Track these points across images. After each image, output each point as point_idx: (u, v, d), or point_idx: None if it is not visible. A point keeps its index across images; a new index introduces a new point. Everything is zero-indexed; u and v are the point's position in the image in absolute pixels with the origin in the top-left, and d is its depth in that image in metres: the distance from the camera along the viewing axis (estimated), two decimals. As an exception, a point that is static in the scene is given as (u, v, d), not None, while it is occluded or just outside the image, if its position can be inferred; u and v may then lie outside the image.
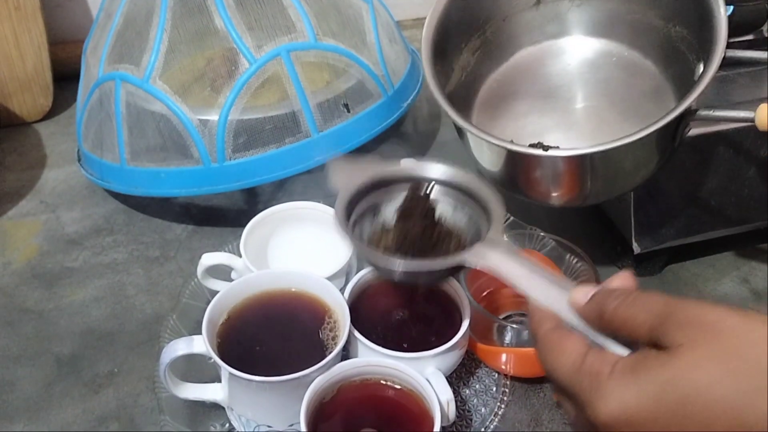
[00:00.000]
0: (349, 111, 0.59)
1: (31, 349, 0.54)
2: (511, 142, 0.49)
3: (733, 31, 0.64)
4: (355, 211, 0.46)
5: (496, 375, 0.52)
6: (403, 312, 0.51)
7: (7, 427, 0.50)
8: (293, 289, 0.49)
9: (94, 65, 0.60)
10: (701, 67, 0.50)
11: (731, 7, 0.65)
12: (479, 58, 0.58)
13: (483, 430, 0.49)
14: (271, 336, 0.48)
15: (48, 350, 0.54)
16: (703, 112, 0.48)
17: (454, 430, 0.49)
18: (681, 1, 0.53)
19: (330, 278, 0.49)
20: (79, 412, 0.51)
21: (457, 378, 0.52)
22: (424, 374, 0.45)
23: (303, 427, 0.42)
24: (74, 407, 0.51)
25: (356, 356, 0.47)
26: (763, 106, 0.46)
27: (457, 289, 0.49)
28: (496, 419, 0.50)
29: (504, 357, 0.51)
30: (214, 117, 0.57)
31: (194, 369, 0.49)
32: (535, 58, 0.60)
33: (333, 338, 0.47)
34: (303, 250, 0.55)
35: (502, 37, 0.59)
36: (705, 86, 0.46)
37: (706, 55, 0.48)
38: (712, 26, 0.49)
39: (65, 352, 0.54)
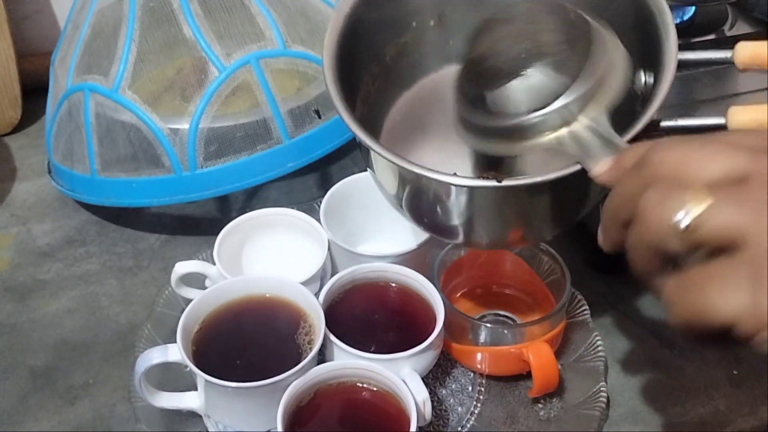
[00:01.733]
0: (320, 117, 0.60)
1: (4, 363, 0.54)
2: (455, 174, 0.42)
3: (695, 30, 0.66)
4: None
5: (472, 374, 0.53)
6: (378, 315, 0.51)
7: (-20, 443, 0.49)
8: (267, 295, 0.49)
9: (62, 76, 0.60)
10: (644, 77, 0.47)
11: (693, 8, 0.67)
12: (380, 87, 0.52)
13: (460, 429, 0.50)
14: (246, 342, 0.48)
15: (22, 363, 0.54)
16: (667, 123, 0.45)
17: (432, 429, 0.49)
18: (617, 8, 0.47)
19: (304, 283, 0.50)
20: (55, 423, 0.50)
21: (434, 378, 0.52)
22: (400, 375, 0.45)
23: (280, 431, 0.42)
24: (50, 419, 0.50)
25: (332, 360, 0.47)
26: (733, 109, 0.44)
27: (431, 290, 0.50)
28: (473, 418, 0.50)
29: (479, 356, 0.51)
30: (184, 126, 0.56)
31: (170, 377, 0.49)
32: (442, 85, 0.52)
33: (309, 342, 0.47)
34: (277, 257, 0.55)
35: (403, 63, 0.52)
36: (660, 102, 0.43)
37: (654, 68, 0.45)
38: (659, 36, 0.46)
39: (39, 364, 0.54)
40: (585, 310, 0.55)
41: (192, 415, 0.49)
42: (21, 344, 0.55)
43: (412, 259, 0.53)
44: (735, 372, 0.54)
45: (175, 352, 0.45)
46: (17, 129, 0.73)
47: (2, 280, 0.60)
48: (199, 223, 0.65)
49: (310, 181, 0.69)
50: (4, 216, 0.65)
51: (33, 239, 0.63)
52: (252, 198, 0.67)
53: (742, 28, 0.68)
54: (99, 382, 0.53)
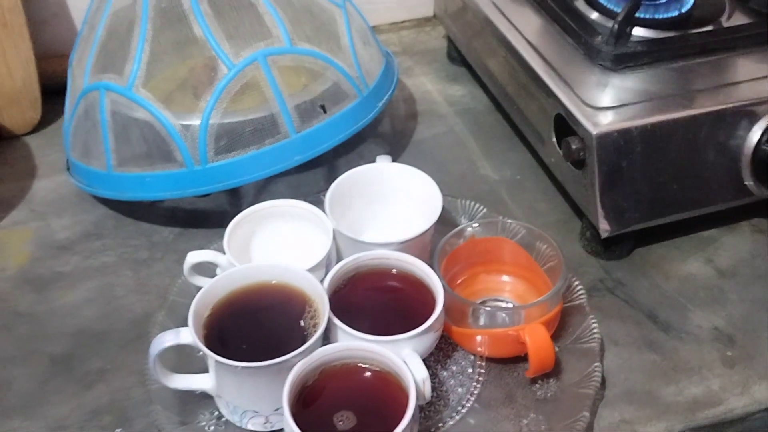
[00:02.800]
0: (325, 112, 0.62)
1: (25, 350, 0.56)
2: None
3: (693, 22, 0.67)
4: None
5: (472, 357, 0.55)
6: (380, 299, 0.53)
7: (4, 424, 0.52)
8: (274, 282, 0.52)
9: (79, 76, 0.63)
10: None
11: (691, 0, 0.68)
12: None
13: (460, 408, 0.52)
14: (254, 326, 0.50)
15: (41, 350, 0.56)
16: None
17: (433, 409, 0.51)
18: None
19: (310, 270, 0.52)
20: (73, 407, 0.53)
21: (435, 361, 0.54)
22: (401, 356, 0.47)
23: (285, 408, 0.44)
24: (68, 403, 0.53)
25: (337, 342, 0.49)
26: None
27: (431, 276, 0.52)
28: (472, 398, 0.52)
29: (479, 339, 0.53)
30: (195, 122, 0.59)
31: (183, 363, 0.52)
32: None
33: (314, 326, 0.49)
34: (284, 245, 0.57)
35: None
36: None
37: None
38: None
39: (58, 351, 0.56)
40: (582, 294, 0.57)
41: (204, 397, 0.51)
42: (41, 332, 0.58)
43: (414, 246, 0.55)
44: (729, 353, 0.56)
45: (187, 335, 0.47)
46: (37, 129, 0.76)
47: (23, 272, 0.62)
48: (211, 217, 0.67)
49: (317, 175, 0.71)
50: (25, 212, 0.68)
51: (52, 233, 0.66)
52: (262, 192, 0.69)
53: (739, 19, 0.69)
54: (115, 367, 0.55)
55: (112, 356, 0.56)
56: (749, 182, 0.61)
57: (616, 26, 0.63)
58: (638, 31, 0.66)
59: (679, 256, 0.63)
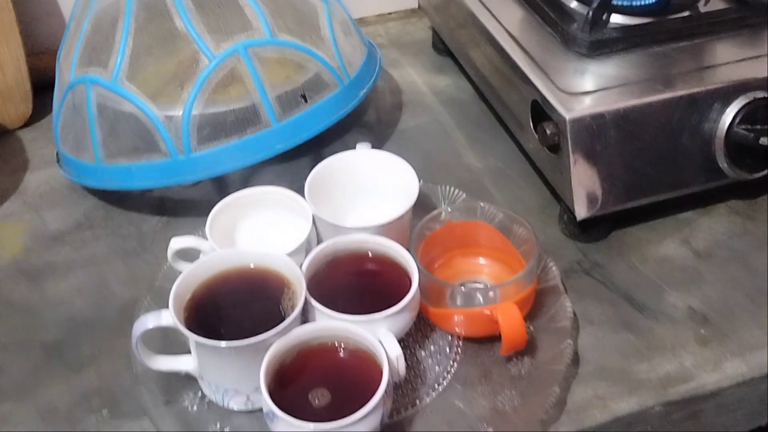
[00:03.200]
0: (306, 101, 0.63)
1: (18, 338, 0.58)
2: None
3: (671, 8, 0.68)
4: None
5: (450, 337, 0.56)
6: (358, 282, 0.55)
7: (-3, 408, 0.54)
8: (253, 266, 0.53)
9: (66, 70, 0.64)
10: None
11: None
12: None
13: (437, 386, 0.53)
14: (234, 309, 0.52)
15: (34, 338, 0.58)
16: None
17: (410, 386, 0.53)
18: None
19: (290, 254, 0.53)
20: (63, 390, 0.54)
21: (414, 341, 0.56)
22: (377, 335, 0.49)
23: (262, 386, 0.46)
24: (59, 387, 0.55)
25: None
26: None
27: (407, 258, 0.53)
28: (449, 376, 0.54)
29: (455, 319, 0.55)
30: (178, 112, 0.60)
31: (168, 348, 0.53)
32: None
33: (291, 307, 0.50)
34: (266, 231, 0.59)
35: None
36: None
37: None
38: None
39: (50, 339, 0.58)
40: (556, 275, 0.58)
41: (188, 379, 0.53)
42: (33, 322, 0.59)
43: (392, 230, 0.56)
44: (702, 332, 0.57)
45: (167, 317, 0.49)
46: (29, 123, 0.78)
47: (16, 263, 0.64)
48: (199, 206, 0.69)
49: (303, 165, 0.73)
50: (18, 204, 0.70)
51: (44, 225, 0.68)
52: (249, 181, 0.71)
53: (716, 5, 0.70)
54: (104, 353, 0.57)
55: (101, 342, 0.58)
56: (723, 164, 0.62)
57: (591, 13, 0.64)
58: (616, 18, 0.67)
59: (656, 238, 0.64)
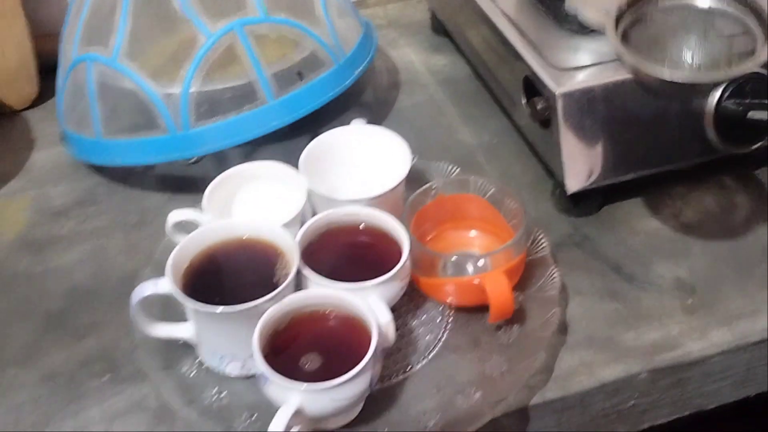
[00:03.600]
0: (302, 79, 0.65)
1: (22, 308, 0.60)
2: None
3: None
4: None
5: (441, 307, 0.58)
6: (351, 252, 0.56)
7: (2, 373, 0.56)
8: (247, 237, 0.55)
9: (68, 50, 0.66)
10: None
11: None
12: None
13: (427, 353, 0.55)
14: (230, 277, 0.54)
15: (38, 308, 0.60)
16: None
17: (401, 354, 0.54)
18: None
19: (285, 226, 0.55)
20: (66, 356, 0.56)
21: (406, 311, 0.57)
22: (368, 302, 0.50)
23: (255, 350, 0.47)
24: (61, 353, 0.57)
25: (306, 290, 0.52)
26: None
27: (398, 229, 0.55)
28: (440, 344, 0.55)
29: (446, 288, 0.56)
30: (177, 89, 0.62)
31: (169, 317, 0.55)
32: None
33: (285, 275, 0.52)
34: (262, 205, 0.60)
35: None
36: None
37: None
38: None
39: (53, 308, 0.60)
40: (545, 247, 0.59)
41: (187, 346, 0.54)
42: (37, 292, 0.61)
43: (385, 203, 0.57)
44: (689, 302, 0.58)
45: (165, 284, 0.50)
46: (35, 104, 0.80)
47: (21, 236, 0.66)
48: (199, 183, 0.69)
49: (300, 143, 0.73)
50: (24, 181, 0.72)
51: (49, 200, 0.69)
52: (247, 159, 0.71)
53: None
54: (105, 322, 0.59)
55: (103, 311, 0.59)
56: (713, 139, 0.63)
57: (581, -10, 0.65)
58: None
59: (646, 211, 0.65)
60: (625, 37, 0.56)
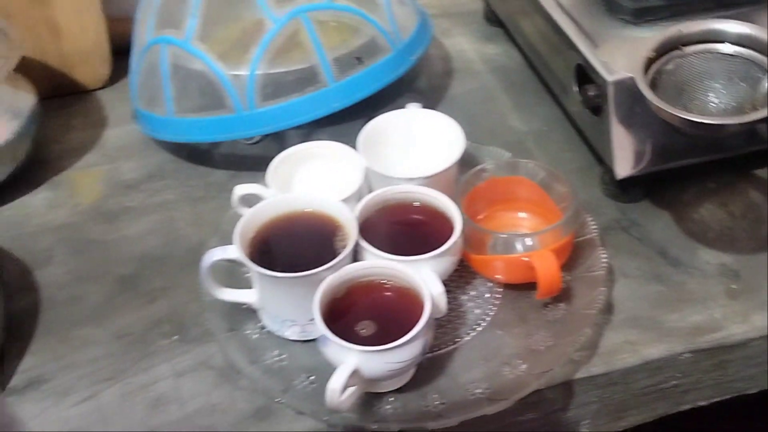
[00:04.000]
0: (361, 63, 0.68)
1: (97, 271, 0.65)
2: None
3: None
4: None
5: (490, 284, 0.60)
6: (405, 228, 0.59)
7: (78, 331, 0.60)
8: (310, 210, 0.58)
9: (143, 32, 0.70)
10: None
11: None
12: None
13: (475, 326, 0.57)
14: (292, 247, 0.57)
15: (111, 271, 0.65)
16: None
17: (450, 326, 0.57)
18: None
19: (344, 201, 0.58)
20: (137, 317, 0.61)
21: (456, 287, 0.60)
22: (421, 275, 0.53)
23: (315, 314, 0.51)
24: (133, 314, 0.61)
25: (363, 261, 0.55)
26: None
27: (451, 207, 0.57)
28: (488, 318, 0.58)
29: (495, 265, 0.58)
30: (244, 72, 0.66)
31: (233, 285, 0.58)
32: None
33: (343, 247, 0.55)
34: (322, 181, 0.63)
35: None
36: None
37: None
38: None
39: (125, 272, 0.64)
40: (594, 229, 0.61)
41: (250, 311, 0.58)
42: (111, 257, 0.66)
43: (438, 182, 0.60)
44: (733, 286, 0.60)
45: (233, 251, 0.54)
46: (108, 84, 0.84)
47: (96, 206, 0.71)
48: (261, 161, 0.73)
49: (357, 126, 0.76)
50: (98, 156, 0.76)
51: (121, 174, 0.74)
52: (305, 140, 0.75)
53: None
54: (174, 286, 0.63)
55: (172, 277, 0.64)
56: (762, 129, 0.64)
57: (636, -19, 0.66)
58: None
59: (694, 199, 0.67)
60: (654, 83, 0.59)
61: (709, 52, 0.61)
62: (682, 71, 0.60)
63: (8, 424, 0.30)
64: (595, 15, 0.69)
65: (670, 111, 0.55)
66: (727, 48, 0.60)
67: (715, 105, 0.59)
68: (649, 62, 0.59)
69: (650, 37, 0.64)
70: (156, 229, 0.68)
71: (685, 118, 0.55)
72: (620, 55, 0.63)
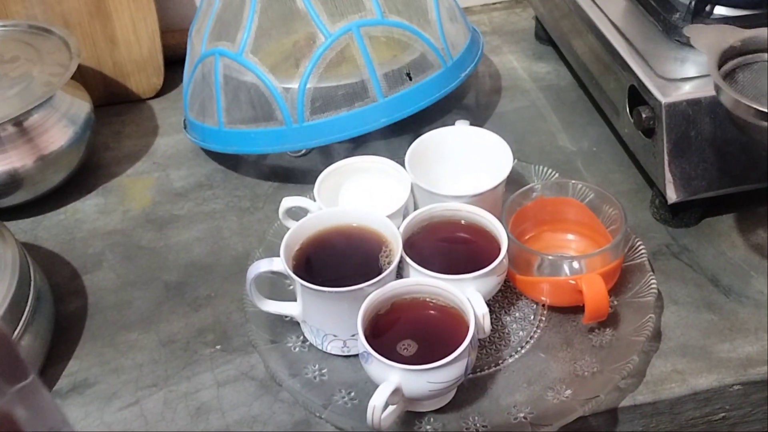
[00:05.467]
0: (411, 79, 0.68)
1: (144, 277, 0.66)
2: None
3: None
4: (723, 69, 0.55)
5: (535, 306, 0.59)
6: (451, 246, 0.59)
7: (125, 335, 0.61)
8: (356, 224, 0.58)
9: (197, 44, 0.71)
10: None
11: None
12: None
13: (519, 348, 0.56)
14: (337, 261, 0.57)
15: (158, 278, 0.65)
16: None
17: (494, 347, 0.56)
18: None
19: (389, 217, 0.58)
20: (183, 325, 0.61)
21: (500, 307, 0.59)
22: (465, 294, 0.53)
23: (359, 329, 0.50)
24: (178, 322, 0.62)
25: (408, 279, 0.55)
26: None
27: (498, 227, 0.57)
28: (532, 341, 0.57)
29: (541, 287, 0.58)
30: (295, 85, 0.66)
31: (275, 296, 0.59)
32: None
33: (388, 263, 0.55)
34: (368, 196, 0.64)
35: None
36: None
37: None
38: None
39: (172, 279, 0.65)
40: (643, 253, 0.60)
41: (292, 323, 0.58)
42: (158, 263, 0.67)
43: (485, 201, 0.59)
44: (788, 318, 0.58)
45: (279, 263, 0.54)
46: (159, 94, 0.86)
47: (145, 213, 0.72)
48: (307, 174, 0.75)
49: (404, 141, 0.76)
50: (148, 164, 0.78)
51: (170, 183, 0.75)
52: (351, 155, 0.76)
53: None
54: (219, 295, 0.63)
55: (217, 286, 0.64)
56: (822, 156, 0.62)
57: (693, 3, 0.65)
58: (720, 10, 0.68)
59: (748, 226, 0.65)
60: (728, 77, 0.56)
61: None
62: (758, 75, 0.57)
63: (61, 424, 0.31)
64: (649, 36, 0.68)
65: (745, 102, 0.52)
66: None
67: None
68: (727, 56, 0.57)
69: (703, 60, 0.63)
70: (203, 237, 0.69)
71: (760, 110, 0.51)
72: (674, 77, 0.62)
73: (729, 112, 0.54)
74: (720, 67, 0.56)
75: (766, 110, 0.51)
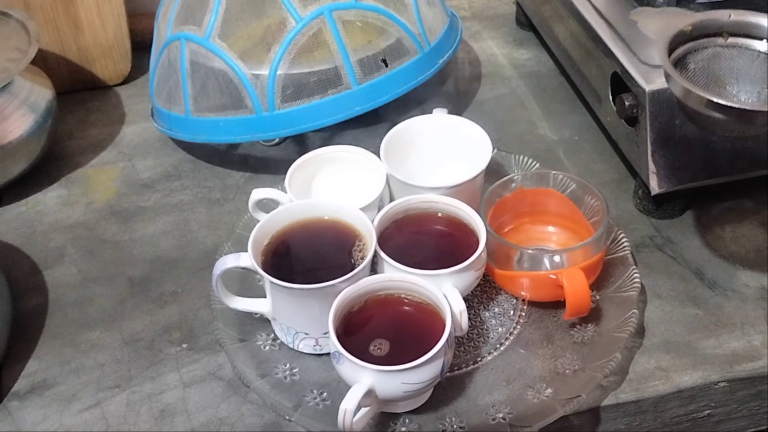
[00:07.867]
0: (386, 65, 0.65)
1: (108, 272, 0.63)
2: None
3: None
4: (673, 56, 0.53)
5: (515, 301, 0.57)
6: (427, 239, 0.56)
7: (86, 334, 0.58)
8: (327, 217, 0.56)
9: (163, 28, 0.68)
10: None
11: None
12: None
13: (498, 345, 0.54)
14: (308, 256, 0.55)
15: (122, 273, 0.63)
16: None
17: (472, 345, 0.54)
18: None
19: (363, 209, 0.55)
20: (147, 323, 0.59)
21: (479, 303, 0.57)
22: (442, 290, 0.51)
23: (330, 328, 0.48)
24: (143, 319, 0.59)
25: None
26: None
27: (476, 219, 0.55)
28: (511, 337, 0.55)
29: (521, 281, 0.56)
30: (265, 71, 0.63)
31: (245, 292, 0.56)
32: None
33: (362, 258, 0.53)
34: (341, 187, 0.61)
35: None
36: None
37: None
38: None
39: (137, 275, 0.62)
40: (626, 247, 0.58)
41: (262, 321, 0.56)
42: (123, 258, 0.64)
43: (463, 192, 0.57)
44: (774, 312, 0.56)
45: (246, 259, 0.52)
46: (127, 80, 0.83)
47: (110, 205, 0.69)
48: (280, 164, 0.72)
49: (381, 131, 0.74)
50: (114, 153, 0.75)
51: (137, 173, 0.72)
52: (327, 144, 0.73)
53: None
54: (186, 291, 0.61)
55: (184, 281, 0.61)
56: (809, 145, 0.60)
57: (678, -13, 0.63)
58: (705, -6, 0.66)
59: (733, 218, 0.63)
60: (678, 64, 0.55)
61: (743, 46, 0.56)
62: (711, 61, 0.56)
63: None
64: (632, 22, 0.66)
65: (697, 93, 0.50)
66: (761, 45, 0.56)
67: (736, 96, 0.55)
68: (677, 42, 0.55)
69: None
70: (170, 230, 0.66)
71: (711, 101, 0.49)
72: (659, 64, 0.60)
73: (679, 102, 0.52)
74: (670, 54, 0.54)
75: (721, 102, 0.49)
